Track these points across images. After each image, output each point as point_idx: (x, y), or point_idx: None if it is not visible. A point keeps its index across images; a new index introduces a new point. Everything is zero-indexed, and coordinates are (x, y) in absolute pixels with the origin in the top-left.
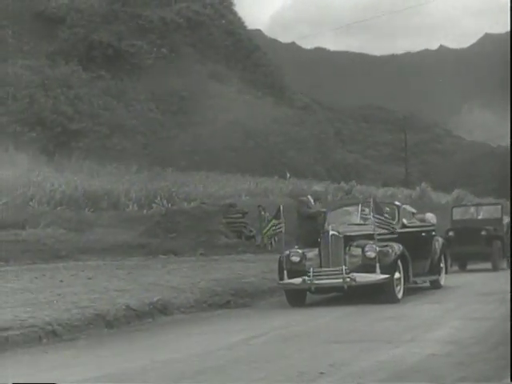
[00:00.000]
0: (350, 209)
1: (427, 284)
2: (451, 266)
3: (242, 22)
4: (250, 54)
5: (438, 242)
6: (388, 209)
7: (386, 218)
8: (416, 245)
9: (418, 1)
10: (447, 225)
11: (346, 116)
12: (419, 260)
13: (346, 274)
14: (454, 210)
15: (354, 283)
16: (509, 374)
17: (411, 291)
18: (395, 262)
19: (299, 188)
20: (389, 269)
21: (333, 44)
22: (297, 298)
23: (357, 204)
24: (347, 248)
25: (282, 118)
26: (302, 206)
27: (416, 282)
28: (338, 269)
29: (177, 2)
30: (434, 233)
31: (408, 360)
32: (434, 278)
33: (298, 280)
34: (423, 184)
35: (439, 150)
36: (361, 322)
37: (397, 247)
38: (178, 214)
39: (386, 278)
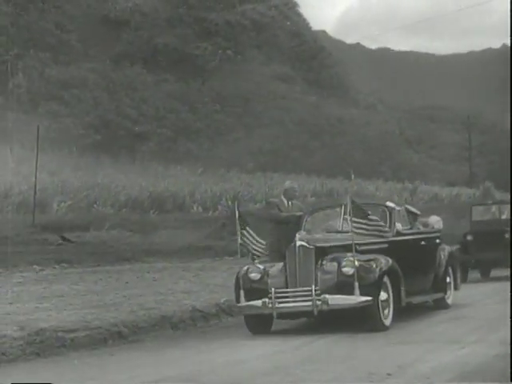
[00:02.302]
0: (331, 212)
1: (431, 303)
2: (463, 275)
3: (307, 23)
4: (315, 54)
5: (444, 252)
6: (370, 212)
7: (370, 222)
8: (413, 256)
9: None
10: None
11: (411, 116)
12: (417, 275)
13: (317, 295)
14: (474, 209)
15: (325, 307)
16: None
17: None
18: (380, 279)
19: (364, 188)
20: (372, 288)
21: (397, 44)
22: (259, 324)
23: (339, 206)
24: (320, 262)
25: (346, 119)
26: (271, 209)
27: (412, 303)
28: (306, 289)
29: (241, 4)
30: (438, 240)
31: (473, 361)
32: (438, 296)
33: (257, 303)
34: (487, 183)
35: (505, 149)
36: (424, 323)
37: (384, 260)
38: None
39: (368, 301)
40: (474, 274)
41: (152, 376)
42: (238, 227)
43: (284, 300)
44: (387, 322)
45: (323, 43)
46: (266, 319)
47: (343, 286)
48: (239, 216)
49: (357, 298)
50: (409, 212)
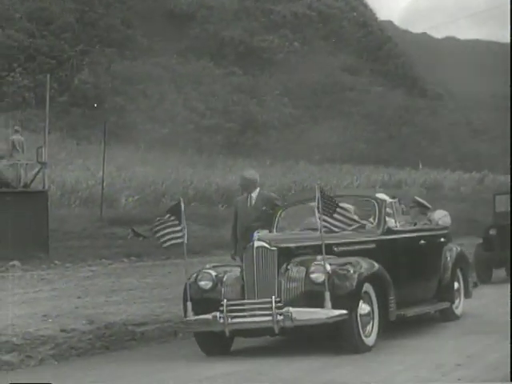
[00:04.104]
0: (309, 205)
1: (435, 314)
2: (486, 275)
3: (374, 14)
4: (381, 45)
5: (451, 253)
6: (346, 205)
7: (336, 216)
8: (410, 259)
9: None
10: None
11: (478, 105)
12: (415, 282)
13: (278, 308)
14: (498, 198)
15: (289, 323)
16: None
17: None
18: (359, 287)
19: (432, 179)
20: (348, 300)
21: (464, 32)
22: (213, 343)
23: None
24: (284, 267)
25: (413, 109)
26: (240, 202)
27: (404, 315)
28: (265, 301)
29: None
30: (443, 239)
31: None
32: (443, 305)
33: (207, 317)
34: None
35: None
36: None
37: (366, 264)
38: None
39: (342, 315)
40: (500, 273)
41: (220, 370)
42: (184, 222)
43: (239, 314)
44: (369, 340)
45: (390, 33)
46: (222, 337)
47: (312, 296)
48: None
49: (328, 312)
50: (420, 205)
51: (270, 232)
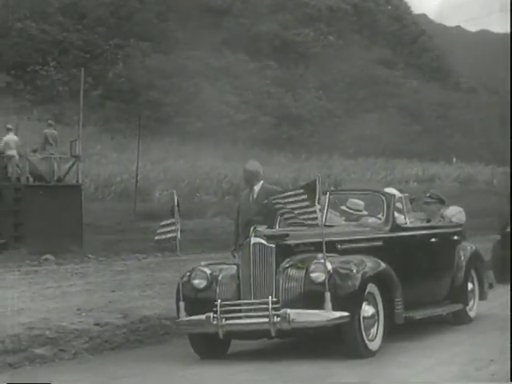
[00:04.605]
0: None
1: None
2: (503, 275)
3: (408, 7)
4: (415, 38)
5: (465, 252)
6: (356, 200)
7: (300, 210)
8: (420, 258)
9: None
10: None
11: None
12: (425, 281)
13: (275, 310)
14: None
15: (286, 326)
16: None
17: None
18: (362, 288)
19: (466, 173)
20: (350, 301)
21: (498, 26)
22: (207, 346)
23: (325, 193)
24: (283, 266)
25: (448, 102)
26: (243, 196)
27: (413, 318)
28: (261, 301)
29: None
30: (456, 237)
31: None
32: (455, 308)
33: (200, 318)
34: None
35: None
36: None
37: (370, 263)
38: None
39: (344, 317)
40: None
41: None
42: (177, 217)
43: (233, 315)
44: (373, 345)
45: (424, 27)
46: (217, 339)
47: (312, 297)
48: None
49: (328, 314)
50: (438, 199)
51: (272, 228)
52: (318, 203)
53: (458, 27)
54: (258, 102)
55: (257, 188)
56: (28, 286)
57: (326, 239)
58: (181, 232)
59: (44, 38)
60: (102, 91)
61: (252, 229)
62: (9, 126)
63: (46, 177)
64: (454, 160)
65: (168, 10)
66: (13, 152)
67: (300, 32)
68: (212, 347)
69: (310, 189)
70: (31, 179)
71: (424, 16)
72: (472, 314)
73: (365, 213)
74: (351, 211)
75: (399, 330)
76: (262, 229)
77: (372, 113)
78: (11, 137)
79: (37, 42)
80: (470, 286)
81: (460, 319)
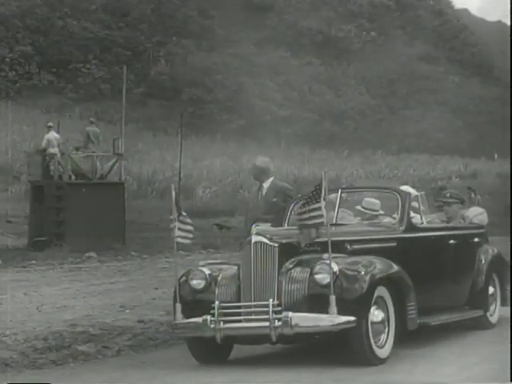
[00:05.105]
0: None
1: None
2: None
3: (450, 2)
4: (457, 33)
5: (487, 255)
6: (371, 199)
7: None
8: (436, 260)
9: None
10: None
11: None
12: (442, 286)
13: (276, 313)
14: None
15: (288, 330)
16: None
17: None
18: (370, 291)
19: (507, 169)
20: (357, 304)
21: None
22: (206, 350)
23: (336, 191)
24: (286, 266)
25: (489, 97)
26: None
27: (428, 324)
28: (262, 304)
29: None
30: (477, 239)
31: None
32: (475, 313)
33: (196, 321)
34: None
35: None
36: None
37: (380, 265)
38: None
39: (350, 322)
40: None
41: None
42: (175, 214)
43: (232, 318)
44: (383, 352)
45: (465, 22)
46: (216, 343)
47: (316, 300)
48: (176, 201)
49: (333, 319)
50: (459, 199)
51: (281, 226)
52: (324, 200)
53: (499, 22)
54: (300, 98)
55: (266, 185)
56: (71, 284)
57: (334, 239)
58: (188, 232)
59: (86, 36)
60: (144, 89)
61: (254, 226)
62: (50, 123)
63: (88, 174)
64: (496, 156)
65: (210, 7)
66: (55, 150)
67: (342, 28)
68: (212, 352)
69: (319, 187)
70: (73, 177)
71: (465, 11)
72: (493, 319)
73: (381, 212)
74: (367, 211)
75: (412, 337)
76: (265, 227)
77: (414, 109)
78: (53, 135)
79: (78, 39)
80: (491, 290)
81: (480, 325)
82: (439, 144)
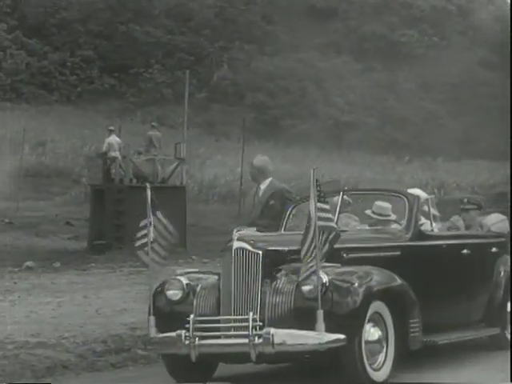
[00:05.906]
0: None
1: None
2: None
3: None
4: None
5: (505, 266)
6: (382, 203)
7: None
8: (447, 271)
9: None
10: None
11: None
12: (453, 300)
13: (256, 329)
14: None
15: (270, 349)
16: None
17: None
18: (364, 306)
19: None
20: (348, 321)
21: None
22: (184, 368)
23: (337, 193)
24: (271, 276)
25: None
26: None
27: (435, 343)
28: (242, 318)
29: None
30: (495, 249)
31: None
32: (491, 331)
33: (170, 336)
34: None
35: None
36: None
37: (378, 277)
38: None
39: (339, 341)
40: None
41: None
42: (150, 214)
43: (210, 334)
44: (379, 375)
45: None
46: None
47: (302, 315)
48: (151, 200)
49: (321, 337)
50: (477, 205)
51: (278, 231)
52: (317, 200)
53: None
54: (363, 103)
55: (263, 186)
56: (131, 287)
57: (340, 246)
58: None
59: (148, 41)
60: (207, 94)
61: (235, 231)
62: (111, 127)
63: (149, 178)
64: None
65: (273, 12)
66: (116, 153)
67: (405, 33)
68: (192, 370)
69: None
70: (134, 180)
71: None
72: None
73: (393, 217)
74: (376, 216)
75: (417, 359)
76: (249, 231)
77: (475, 114)
78: (114, 138)
79: (141, 44)
80: (510, 306)
81: (497, 344)
82: (501, 150)
